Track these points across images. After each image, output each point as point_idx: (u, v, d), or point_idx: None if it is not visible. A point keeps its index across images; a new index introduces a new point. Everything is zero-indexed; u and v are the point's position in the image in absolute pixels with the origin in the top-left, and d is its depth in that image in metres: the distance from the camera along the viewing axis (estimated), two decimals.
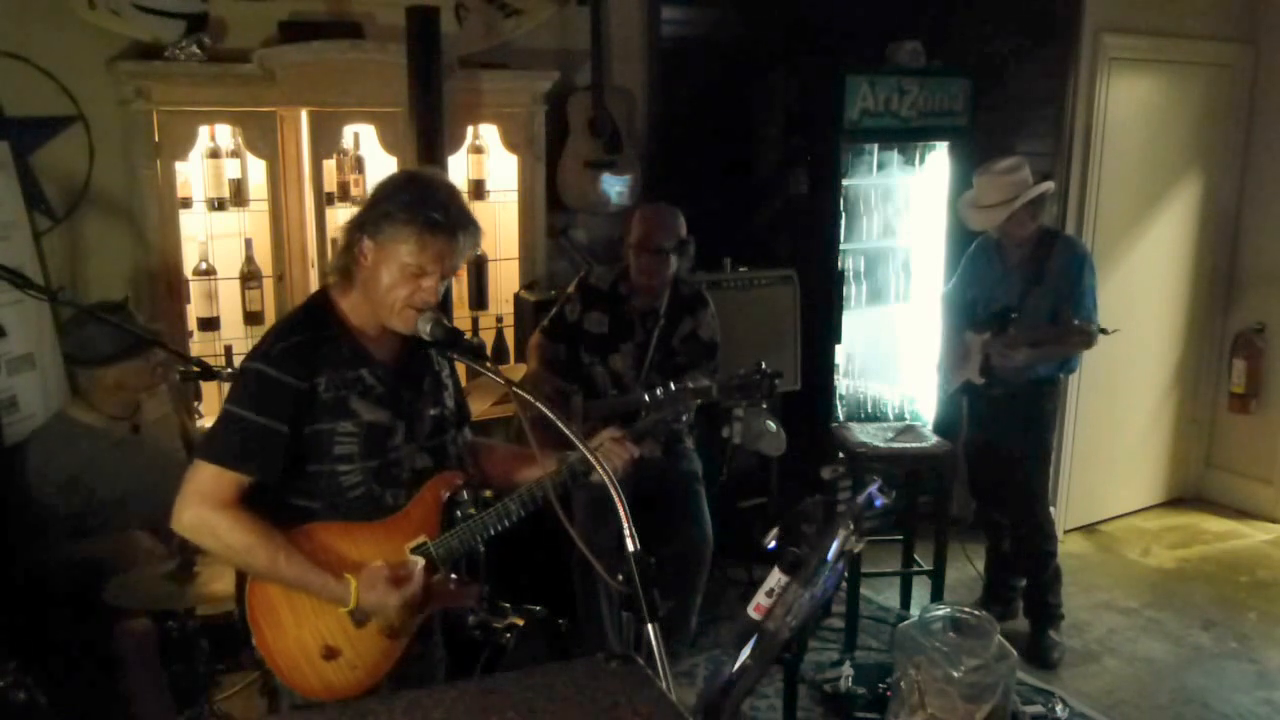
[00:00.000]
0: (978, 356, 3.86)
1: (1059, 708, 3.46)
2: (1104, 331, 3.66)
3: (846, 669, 3.59)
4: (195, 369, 2.99)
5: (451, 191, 2.07)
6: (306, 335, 2.01)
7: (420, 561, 2.05)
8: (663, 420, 2.41)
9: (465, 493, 2.16)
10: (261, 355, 2.00)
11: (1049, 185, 3.83)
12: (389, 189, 2.05)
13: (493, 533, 2.13)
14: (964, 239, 4.82)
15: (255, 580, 2.03)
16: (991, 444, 4.02)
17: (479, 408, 3.49)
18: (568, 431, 1.93)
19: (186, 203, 3.63)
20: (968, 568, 4.36)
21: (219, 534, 1.95)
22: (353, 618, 2.02)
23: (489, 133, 4.09)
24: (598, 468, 1.87)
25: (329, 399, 2.00)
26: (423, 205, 1.98)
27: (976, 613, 2.88)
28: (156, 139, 3.45)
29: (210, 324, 3.70)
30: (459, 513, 2.13)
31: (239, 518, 1.95)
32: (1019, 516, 3.99)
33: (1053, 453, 4.03)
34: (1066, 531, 4.97)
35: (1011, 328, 3.73)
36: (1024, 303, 3.78)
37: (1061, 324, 3.66)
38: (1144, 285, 4.99)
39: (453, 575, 2.14)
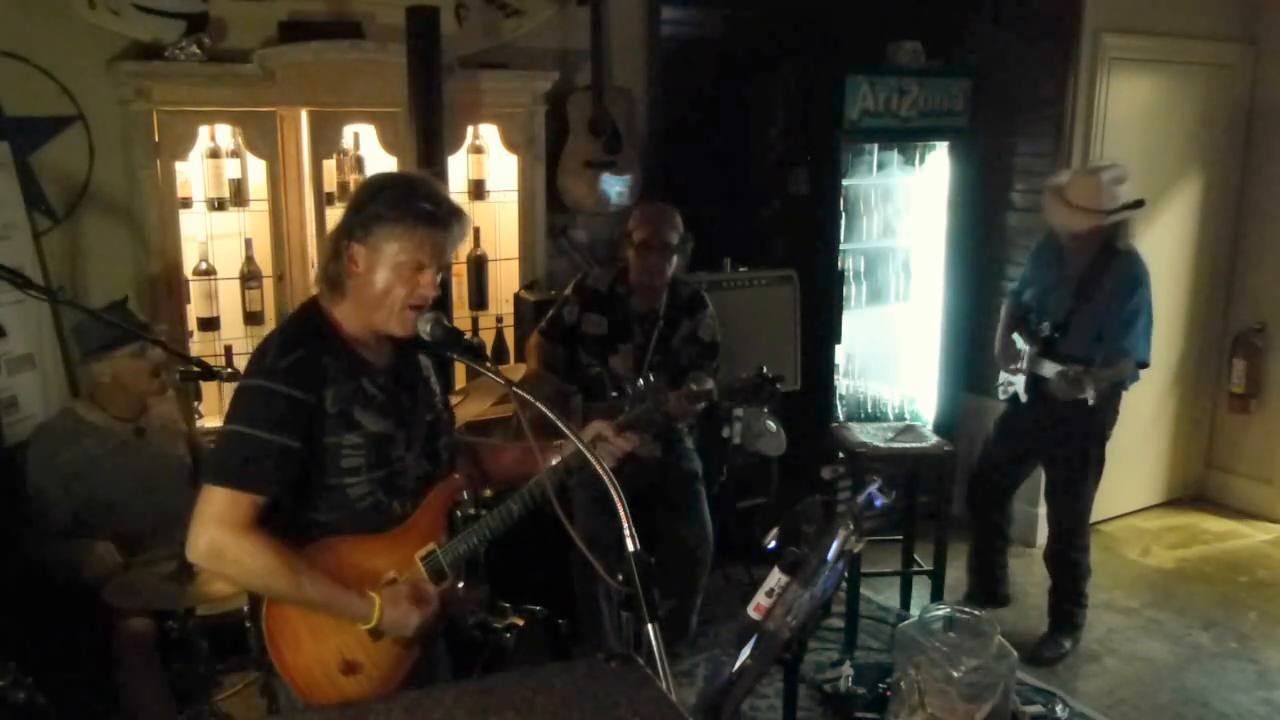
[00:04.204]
0: (1024, 373, 3.79)
1: (1059, 708, 3.47)
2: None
3: (846, 669, 3.59)
4: (195, 369, 2.99)
5: (434, 183, 2.05)
6: (309, 348, 1.96)
7: (436, 588, 2.04)
8: (647, 411, 2.39)
9: (465, 495, 2.16)
10: (266, 371, 1.93)
11: (1138, 209, 3.68)
12: (370, 191, 2.01)
13: (495, 534, 2.12)
14: (964, 239, 4.85)
15: (273, 601, 1.99)
16: (1020, 452, 3.96)
17: (478, 408, 3.49)
18: (567, 431, 1.92)
19: (186, 203, 3.63)
20: None
21: (240, 560, 1.89)
22: (370, 632, 2.00)
23: (489, 133, 4.09)
24: (598, 468, 1.86)
25: (336, 412, 1.96)
26: (411, 200, 1.95)
27: (976, 613, 2.88)
28: (156, 139, 3.45)
29: (210, 324, 3.70)
30: (459, 515, 2.13)
31: (258, 541, 1.89)
32: (1063, 529, 3.91)
33: (1104, 465, 3.87)
34: None
35: (1058, 348, 3.68)
36: (1071, 320, 3.69)
37: (1096, 365, 3.52)
38: None
39: (459, 584, 2.13)
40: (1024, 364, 3.80)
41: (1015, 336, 3.86)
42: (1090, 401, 3.44)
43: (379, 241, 1.95)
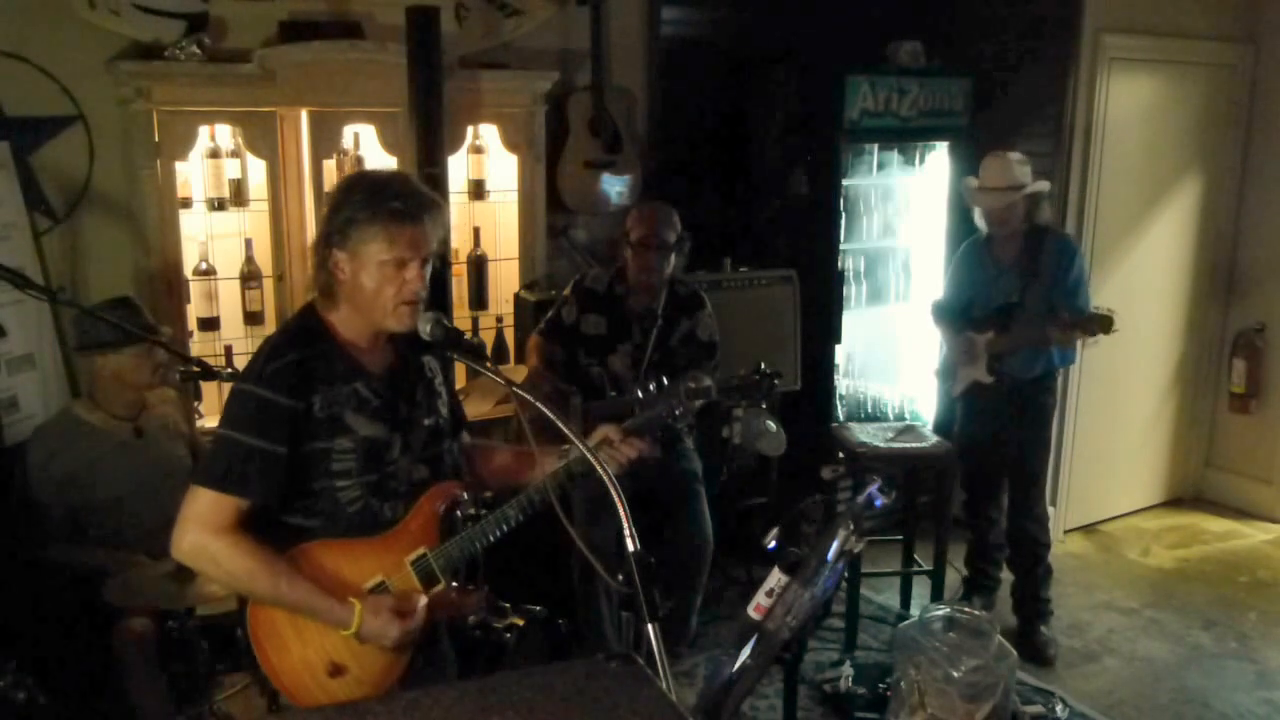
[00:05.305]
0: (984, 356, 3.88)
1: (1059, 708, 3.46)
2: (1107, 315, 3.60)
3: (846, 669, 3.59)
4: (195, 369, 2.99)
5: (403, 179, 2.06)
6: (299, 353, 1.97)
7: (424, 600, 2.04)
8: (656, 416, 2.38)
9: (465, 498, 2.15)
10: (255, 376, 1.96)
11: (1047, 184, 3.94)
12: (340, 196, 2.02)
13: (492, 539, 2.12)
14: (964, 239, 4.83)
15: (256, 604, 2.00)
16: (994, 438, 4.01)
17: (479, 408, 3.50)
18: (567, 432, 1.92)
19: (186, 203, 3.63)
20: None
21: (219, 560, 1.92)
22: (355, 636, 2.00)
23: (489, 133, 4.09)
24: (598, 468, 1.86)
25: (324, 417, 1.97)
26: (380, 199, 1.95)
27: (976, 613, 2.88)
28: (156, 139, 3.45)
29: (210, 324, 3.70)
30: (459, 518, 2.12)
31: (239, 543, 1.92)
32: (1021, 510, 3.99)
33: (1051, 444, 4.08)
34: (1066, 531, 4.97)
35: (1014, 325, 3.78)
36: (1025, 300, 3.81)
37: (1057, 322, 3.68)
38: (1144, 285, 4.99)
39: (454, 584, 2.13)
40: (980, 350, 3.89)
41: (969, 335, 3.94)
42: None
43: (357, 245, 1.96)
